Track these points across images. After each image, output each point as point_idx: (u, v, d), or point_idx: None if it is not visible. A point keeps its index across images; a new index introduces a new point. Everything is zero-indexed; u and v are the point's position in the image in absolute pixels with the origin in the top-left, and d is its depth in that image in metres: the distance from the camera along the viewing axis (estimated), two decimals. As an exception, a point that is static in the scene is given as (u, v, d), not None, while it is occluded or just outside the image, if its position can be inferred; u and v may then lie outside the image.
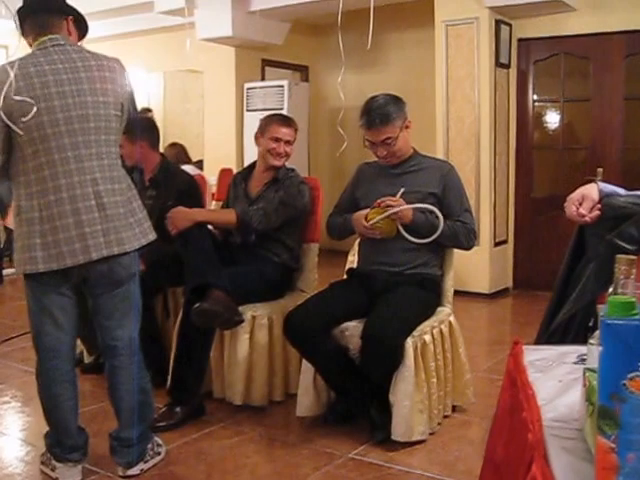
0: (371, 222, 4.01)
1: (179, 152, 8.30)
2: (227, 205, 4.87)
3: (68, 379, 3.44)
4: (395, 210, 3.95)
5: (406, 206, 3.97)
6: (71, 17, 3.46)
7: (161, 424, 4.06)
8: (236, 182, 4.88)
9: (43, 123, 3.16)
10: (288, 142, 4.64)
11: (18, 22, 3.38)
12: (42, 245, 3.19)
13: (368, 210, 4.06)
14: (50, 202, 3.18)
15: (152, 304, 4.76)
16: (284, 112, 8.59)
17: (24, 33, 3.40)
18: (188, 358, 4.24)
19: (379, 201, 4.02)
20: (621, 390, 1.31)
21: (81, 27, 3.54)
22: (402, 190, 4.04)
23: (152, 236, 3.44)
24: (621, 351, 1.31)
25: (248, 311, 4.31)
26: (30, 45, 3.40)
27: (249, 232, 4.52)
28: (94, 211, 3.20)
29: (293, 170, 4.76)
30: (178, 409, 4.18)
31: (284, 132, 4.64)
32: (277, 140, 4.61)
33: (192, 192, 5.06)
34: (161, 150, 7.29)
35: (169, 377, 4.30)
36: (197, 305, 3.95)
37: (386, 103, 4.10)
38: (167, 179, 4.96)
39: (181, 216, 4.29)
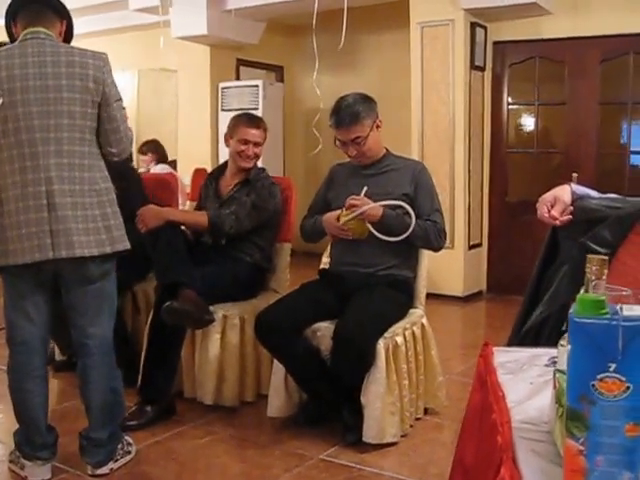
0: (342, 221, 3.99)
1: (160, 150, 8.25)
2: (199, 205, 4.85)
3: (39, 375, 3.43)
4: (362, 210, 3.93)
5: (372, 205, 3.95)
6: (66, 22, 3.49)
7: (131, 423, 4.04)
8: (207, 182, 4.86)
9: (6, 117, 3.16)
10: (257, 144, 4.61)
11: (11, 9, 3.40)
12: None
13: (339, 211, 4.05)
14: (7, 198, 3.18)
15: (121, 302, 4.70)
16: (259, 112, 8.62)
17: (15, 21, 3.40)
18: (159, 357, 4.22)
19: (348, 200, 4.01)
20: (590, 392, 1.30)
21: (67, 36, 3.54)
22: (365, 189, 4.01)
23: (121, 246, 3.37)
24: (590, 351, 1.30)
25: (220, 310, 4.29)
26: (15, 35, 3.40)
27: (220, 235, 4.50)
28: (44, 211, 3.16)
29: (264, 170, 4.74)
30: (149, 408, 4.16)
31: (252, 134, 4.60)
32: (246, 142, 4.58)
33: (127, 174, 4.92)
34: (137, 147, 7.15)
35: (139, 376, 4.28)
36: (168, 304, 3.93)
37: (355, 102, 4.09)
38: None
39: (152, 214, 4.27)
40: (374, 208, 3.94)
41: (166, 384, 4.26)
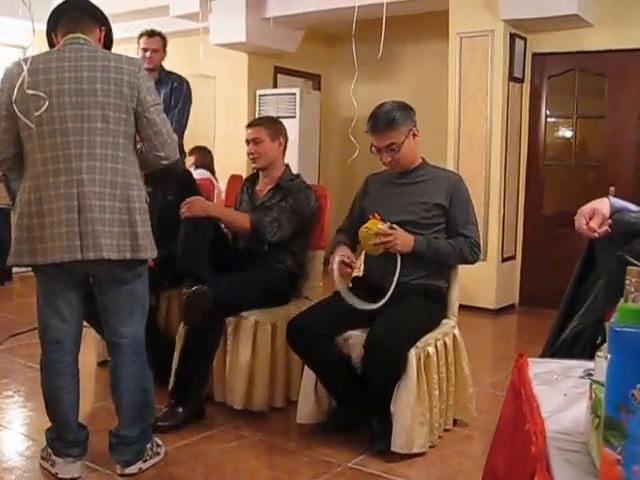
0: (361, 234, 4.04)
1: (207, 158, 8.20)
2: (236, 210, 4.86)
3: (70, 372, 3.48)
4: (388, 241, 3.95)
5: (402, 237, 3.98)
6: (105, 29, 3.53)
7: (162, 424, 4.05)
8: (243, 188, 4.90)
9: (41, 120, 3.19)
10: (255, 141, 4.68)
11: (52, 18, 3.44)
12: (20, 239, 3.25)
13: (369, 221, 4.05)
14: (39, 199, 3.21)
15: (156, 304, 4.73)
16: (296, 120, 8.74)
17: (55, 30, 3.45)
18: (191, 360, 4.23)
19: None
20: (629, 401, 1.29)
21: (106, 43, 3.57)
22: (388, 224, 4.01)
23: (143, 255, 3.37)
24: (630, 360, 1.30)
25: (251, 316, 4.30)
26: (55, 43, 3.44)
27: (261, 242, 4.51)
28: (74, 212, 3.18)
29: (298, 176, 4.78)
30: (180, 410, 4.17)
31: (248, 133, 4.75)
32: (247, 143, 4.71)
33: (190, 184, 5.08)
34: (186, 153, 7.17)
35: (172, 378, 4.31)
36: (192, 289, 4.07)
37: (392, 109, 4.09)
38: (165, 173, 4.87)
39: (198, 205, 4.37)
40: (403, 239, 3.97)
41: (198, 387, 4.27)
